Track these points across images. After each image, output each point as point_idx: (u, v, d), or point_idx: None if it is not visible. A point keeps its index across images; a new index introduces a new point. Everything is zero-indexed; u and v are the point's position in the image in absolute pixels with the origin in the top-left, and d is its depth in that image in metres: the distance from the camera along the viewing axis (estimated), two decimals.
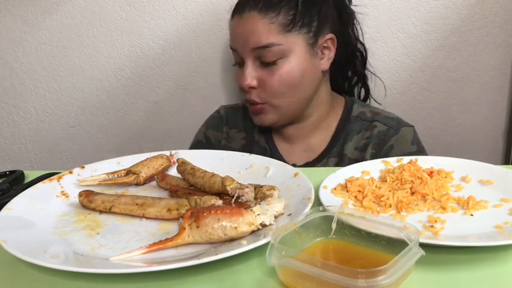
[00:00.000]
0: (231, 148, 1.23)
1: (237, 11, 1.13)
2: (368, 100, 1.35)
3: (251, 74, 1.09)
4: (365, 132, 1.16)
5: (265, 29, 1.07)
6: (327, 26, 1.13)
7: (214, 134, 1.27)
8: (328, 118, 1.21)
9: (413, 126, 1.17)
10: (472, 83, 1.41)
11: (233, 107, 1.31)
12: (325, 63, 1.14)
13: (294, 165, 1.17)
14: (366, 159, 1.10)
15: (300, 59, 1.09)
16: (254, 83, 1.10)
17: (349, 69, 1.32)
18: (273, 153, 1.20)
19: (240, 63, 1.13)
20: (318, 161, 1.17)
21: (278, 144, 1.22)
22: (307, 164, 1.17)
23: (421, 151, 1.14)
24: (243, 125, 1.26)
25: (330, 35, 1.13)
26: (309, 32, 1.10)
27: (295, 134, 1.21)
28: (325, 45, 1.13)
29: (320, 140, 1.20)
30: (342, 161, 1.16)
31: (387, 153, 1.13)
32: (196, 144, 1.29)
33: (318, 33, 1.11)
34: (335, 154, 1.17)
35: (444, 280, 0.57)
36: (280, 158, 1.19)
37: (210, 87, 1.47)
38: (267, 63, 1.08)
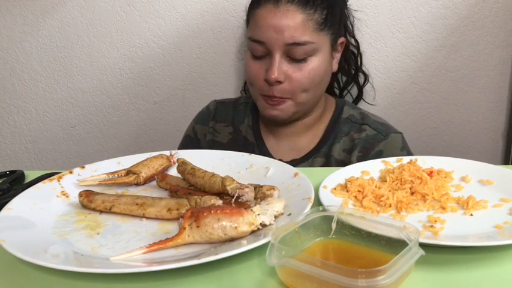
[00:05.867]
0: (217, 142, 1.24)
1: (269, 0, 1.08)
2: (359, 102, 1.37)
3: (280, 69, 1.07)
4: (353, 134, 1.17)
5: (303, 26, 1.05)
6: (342, 29, 1.18)
7: (201, 128, 1.28)
8: (319, 119, 1.21)
9: (401, 133, 1.18)
10: (472, 83, 1.41)
11: (224, 101, 1.30)
12: (335, 65, 1.18)
13: (280, 160, 1.18)
14: (351, 162, 1.12)
15: (324, 58, 1.11)
16: (282, 77, 1.07)
17: (341, 71, 1.32)
18: (261, 148, 1.20)
19: (262, 56, 1.10)
20: (305, 159, 1.18)
21: (266, 141, 1.22)
22: (293, 161, 1.18)
23: None
24: (232, 119, 1.26)
25: (343, 39, 1.17)
26: (333, 34, 1.12)
27: (285, 132, 1.21)
28: (338, 48, 1.17)
29: (308, 139, 1.20)
30: (329, 161, 1.16)
31: (375, 158, 1.12)
32: (185, 139, 1.30)
33: (337, 35, 1.14)
34: (322, 154, 1.17)
35: (444, 280, 0.57)
36: (267, 153, 1.19)
37: (210, 87, 1.48)
38: (296, 60, 1.07)
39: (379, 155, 1.13)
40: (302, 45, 1.06)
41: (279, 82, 1.08)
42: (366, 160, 1.08)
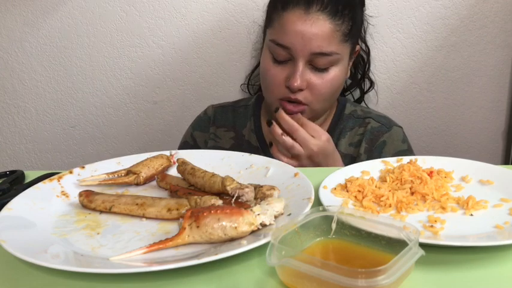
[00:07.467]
0: (219, 148, 1.23)
1: (299, 4, 1.05)
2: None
3: (303, 77, 1.06)
4: (358, 128, 1.19)
5: (331, 36, 1.04)
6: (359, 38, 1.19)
7: (200, 134, 1.27)
8: (323, 118, 1.21)
9: (402, 127, 1.20)
10: (472, 83, 1.41)
11: (222, 105, 1.29)
12: (348, 72, 1.18)
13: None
14: (359, 154, 1.15)
15: (344, 67, 1.11)
16: (304, 85, 1.06)
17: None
18: (265, 152, 1.19)
19: (283, 61, 1.08)
20: None
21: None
22: None
23: (410, 150, 1.17)
24: (233, 124, 1.26)
25: (358, 47, 1.18)
26: (353, 44, 1.12)
27: None
28: (353, 56, 1.17)
29: None
30: None
31: (380, 149, 1.15)
32: (184, 145, 1.28)
33: (356, 44, 1.15)
34: None
35: (444, 280, 0.57)
36: (272, 157, 1.18)
37: (210, 87, 1.47)
38: (318, 68, 1.06)
39: (382, 146, 1.15)
40: (327, 55, 1.05)
41: (300, 90, 1.07)
42: (371, 151, 1.15)
